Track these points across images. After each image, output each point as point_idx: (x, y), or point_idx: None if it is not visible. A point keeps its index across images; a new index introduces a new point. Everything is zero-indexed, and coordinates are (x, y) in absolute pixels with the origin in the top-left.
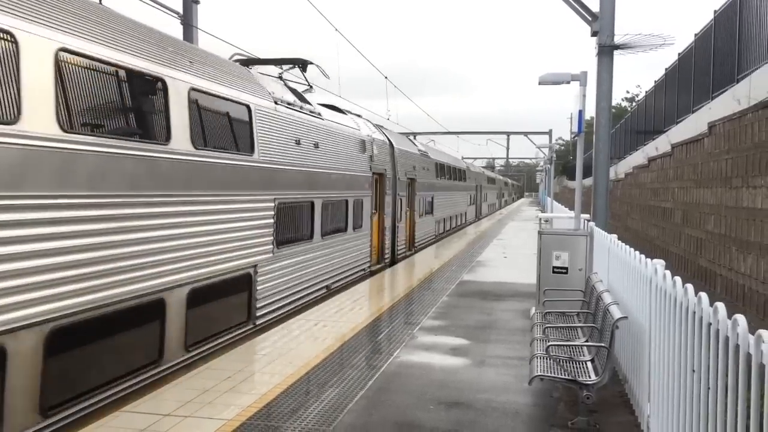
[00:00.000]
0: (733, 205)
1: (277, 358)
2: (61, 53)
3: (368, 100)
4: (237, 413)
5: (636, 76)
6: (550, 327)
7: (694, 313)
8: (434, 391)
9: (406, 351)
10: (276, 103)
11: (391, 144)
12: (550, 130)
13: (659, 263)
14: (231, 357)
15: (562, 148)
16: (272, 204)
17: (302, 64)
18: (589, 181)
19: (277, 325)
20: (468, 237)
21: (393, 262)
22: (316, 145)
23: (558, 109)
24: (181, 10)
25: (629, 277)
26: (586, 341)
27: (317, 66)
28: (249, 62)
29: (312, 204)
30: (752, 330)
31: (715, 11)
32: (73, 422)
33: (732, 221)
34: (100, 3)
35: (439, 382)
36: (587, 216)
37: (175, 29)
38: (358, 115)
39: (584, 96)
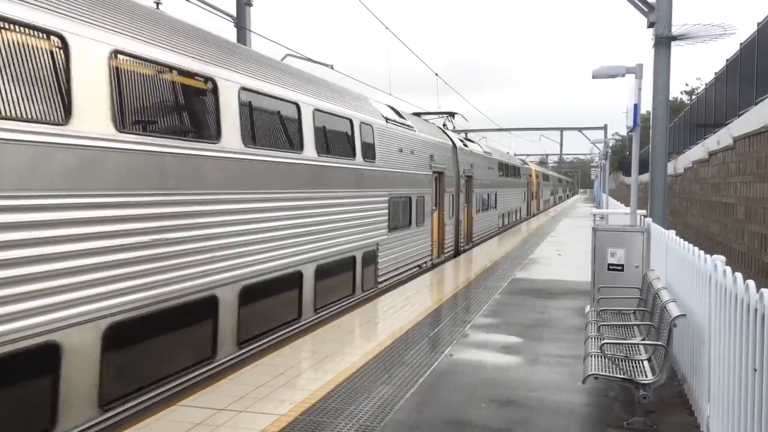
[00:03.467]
0: None
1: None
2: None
3: (420, 97)
4: (290, 408)
5: (696, 69)
6: (605, 325)
7: (756, 310)
8: (486, 389)
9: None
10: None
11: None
12: (605, 125)
13: (719, 259)
14: (284, 353)
15: (618, 143)
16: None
17: (452, 114)
18: (646, 177)
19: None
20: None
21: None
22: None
23: (614, 103)
24: (234, 13)
25: (688, 273)
26: (643, 339)
27: (461, 115)
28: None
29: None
30: None
31: None
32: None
33: None
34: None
35: (491, 380)
36: (644, 212)
37: (230, 32)
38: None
39: (640, 89)
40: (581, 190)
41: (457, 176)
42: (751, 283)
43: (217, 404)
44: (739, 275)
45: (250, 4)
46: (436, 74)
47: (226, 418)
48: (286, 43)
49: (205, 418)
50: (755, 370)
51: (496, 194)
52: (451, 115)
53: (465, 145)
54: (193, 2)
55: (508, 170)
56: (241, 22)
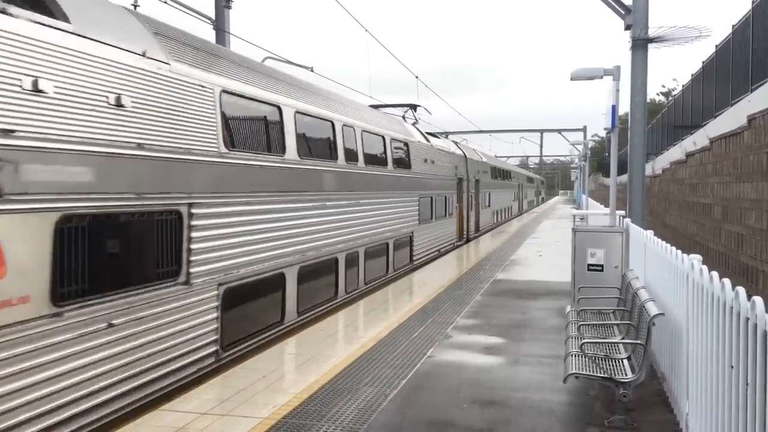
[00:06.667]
0: None
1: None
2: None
3: (401, 99)
4: (272, 411)
5: (672, 70)
6: (585, 325)
7: (732, 308)
8: (468, 389)
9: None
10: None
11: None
12: (585, 127)
13: (696, 258)
14: (264, 357)
15: (597, 144)
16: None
17: (414, 107)
18: (625, 178)
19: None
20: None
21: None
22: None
23: (593, 105)
24: (213, 16)
25: (666, 273)
26: (622, 338)
27: (424, 108)
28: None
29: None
30: None
31: (753, 1)
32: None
33: None
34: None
35: (473, 381)
36: (623, 213)
37: (209, 34)
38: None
39: (618, 91)
40: (561, 191)
41: None
42: (727, 281)
43: (199, 408)
44: (715, 274)
45: (228, 6)
46: (416, 76)
47: (209, 422)
48: (266, 46)
49: (187, 422)
50: (732, 366)
51: None
52: (413, 108)
53: None
54: (171, 5)
55: None
56: (219, 25)
